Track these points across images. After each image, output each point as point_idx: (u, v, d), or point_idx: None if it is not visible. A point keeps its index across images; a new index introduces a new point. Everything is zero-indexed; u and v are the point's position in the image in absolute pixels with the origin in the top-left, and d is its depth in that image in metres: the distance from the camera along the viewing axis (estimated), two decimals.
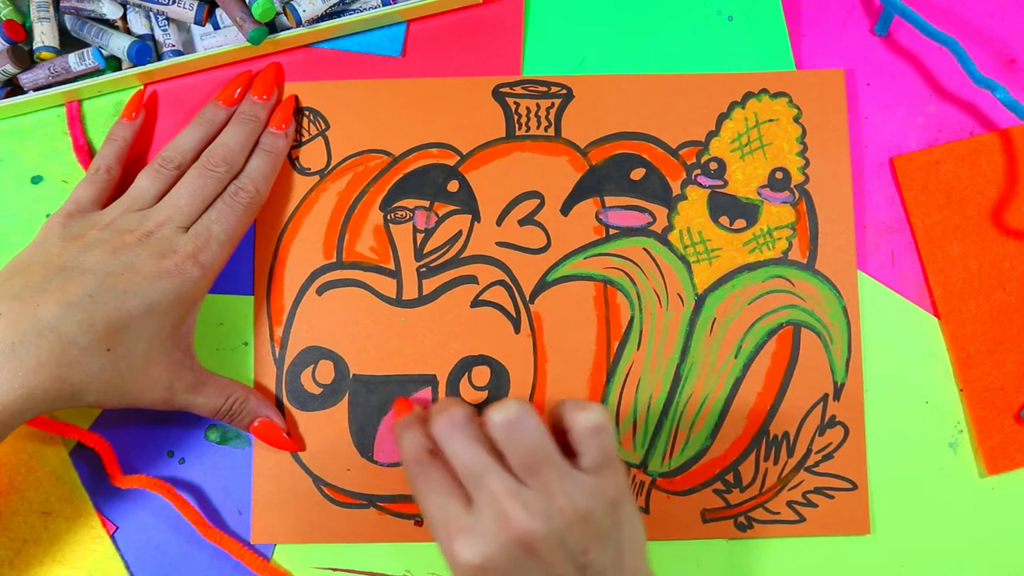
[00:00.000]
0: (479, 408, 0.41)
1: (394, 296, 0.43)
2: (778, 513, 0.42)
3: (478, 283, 0.43)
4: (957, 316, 0.43)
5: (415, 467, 0.35)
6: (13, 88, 0.43)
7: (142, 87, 0.44)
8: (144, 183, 0.39)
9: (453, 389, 0.42)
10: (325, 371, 0.42)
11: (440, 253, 0.43)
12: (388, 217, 0.43)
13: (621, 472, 0.35)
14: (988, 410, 0.42)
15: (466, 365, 0.42)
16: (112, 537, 0.42)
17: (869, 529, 0.42)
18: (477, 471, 0.33)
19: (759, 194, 0.43)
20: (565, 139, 0.43)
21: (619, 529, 0.34)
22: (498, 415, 0.33)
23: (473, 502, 0.33)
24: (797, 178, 0.43)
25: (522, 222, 0.43)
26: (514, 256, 0.43)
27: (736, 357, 0.42)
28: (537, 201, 0.43)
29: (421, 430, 0.37)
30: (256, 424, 0.40)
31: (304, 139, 0.43)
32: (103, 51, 0.42)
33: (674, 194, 0.43)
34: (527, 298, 0.43)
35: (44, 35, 0.41)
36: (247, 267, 0.43)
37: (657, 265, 0.43)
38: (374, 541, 0.42)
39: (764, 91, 0.43)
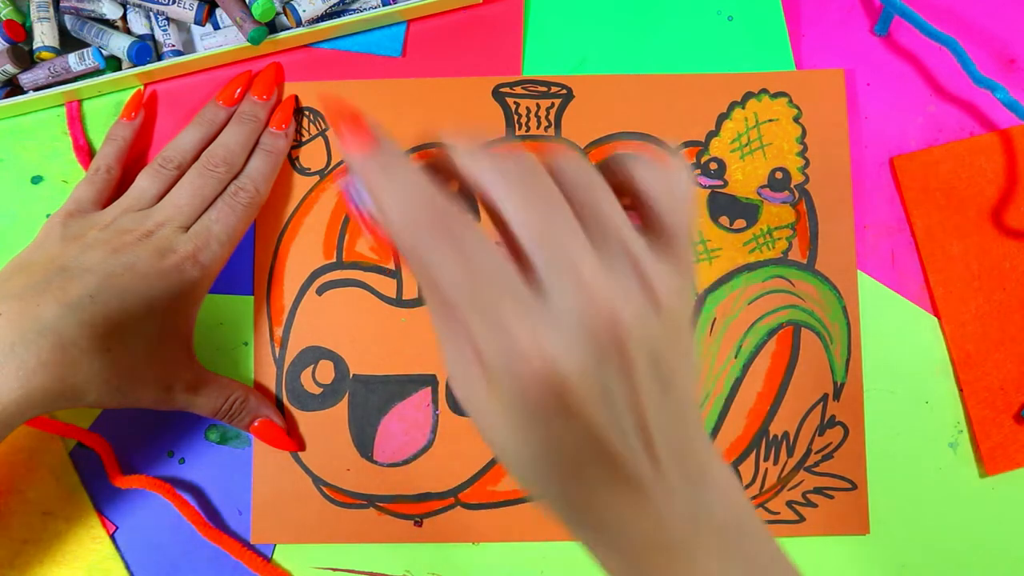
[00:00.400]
0: None
1: (394, 296, 0.43)
2: (778, 513, 0.42)
3: None
4: (957, 316, 0.43)
5: (426, 226, 0.22)
6: (13, 88, 0.43)
7: (142, 87, 0.44)
8: (144, 183, 0.39)
9: None
10: (325, 371, 0.42)
11: None
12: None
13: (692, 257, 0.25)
14: (988, 410, 0.42)
15: None
16: (112, 537, 0.42)
17: (869, 529, 0.42)
18: (548, 230, 0.22)
19: (759, 194, 0.43)
20: (565, 139, 0.43)
21: (692, 333, 0.26)
22: (566, 163, 0.23)
23: (542, 278, 0.22)
24: (797, 178, 0.43)
25: None
26: None
27: (736, 357, 0.42)
28: None
29: (429, 187, 0.23)
30: (256, 424, 0.40)
31: (304, 139, 0.43)
32: (103, 51, 0.42)
33: None
34: None
35: (44, 35, 0.41)
36: (247, 267, 0.43)
37: None
38: (374, 541, 0.42)
39: (764, 91, 0.43)
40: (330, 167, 0.43)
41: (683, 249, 0.24)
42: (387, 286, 0.43)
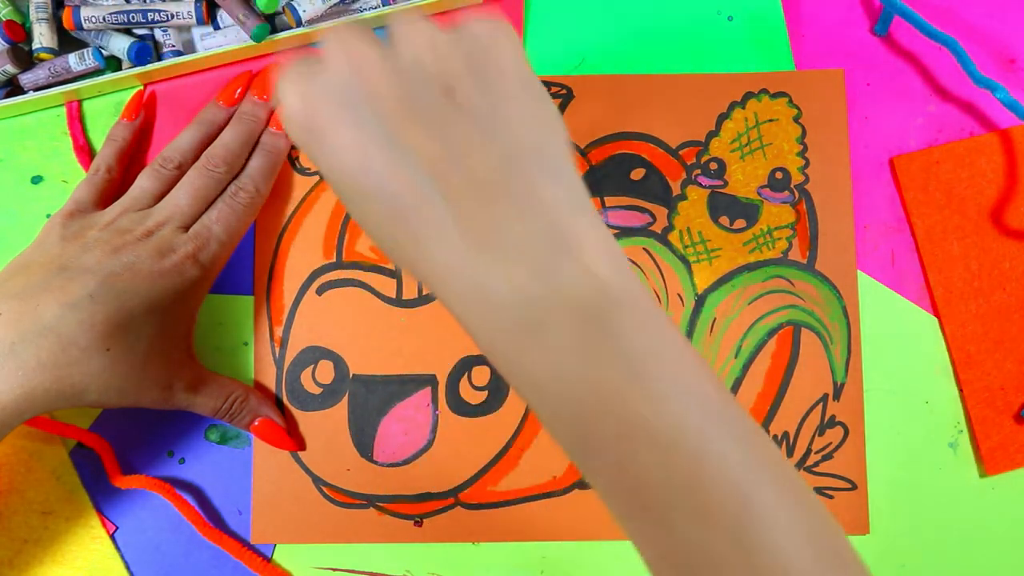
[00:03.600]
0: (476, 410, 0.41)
1: (394, 296, 0.43)
2: None
3: None
4: (957, 316, 0.43)
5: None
6: (13, 88, 0.43)
7: (142, 87, 0.44)
8: (144, 183, 0.39)
9: (453, 389, 0.42)
10: (325, 371, 0.42)
11: None
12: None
13: (506, 26, 0.26)
14: (988, 410, 0.42)
15: (466, 365, 0.42)
16: (112, 537, 0.42)
17: (868, 529, 0.42)
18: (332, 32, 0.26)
19: (759, 194, 0.43)
20: None
21: (503, 79, 0.25)
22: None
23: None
24: (797, 178, 0.43)
25: None
26: None
27: (736, 357, 0.42)
28: None
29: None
30: (256, 423, 0.40)
31: None
32: (103, 51, 0.42)
33: (674, 194, 0.43)
34: None
35: (43, 36, 0.41)
36: (247, 267, 0.43)
37: (657, 265, 0.43)
38: (374, 541, 0.42)
39: (764, 91, 0.43)
40: None
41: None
42: (387, 286, 0.43)
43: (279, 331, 0.43)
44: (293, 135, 0.25)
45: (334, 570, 0.42)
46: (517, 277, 0.23)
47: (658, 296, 0.43)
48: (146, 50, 0.42)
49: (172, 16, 0.41)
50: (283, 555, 0.42)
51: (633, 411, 0.22)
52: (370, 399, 0.42)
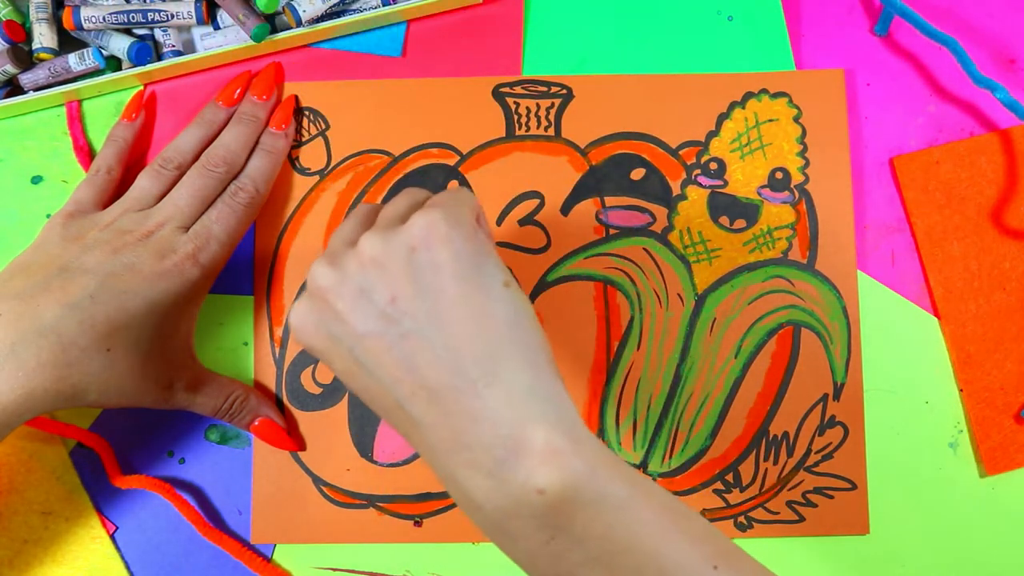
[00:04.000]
0: None
1: None
2: (778, 513, 0.42)
3: None
4: (957, 316, 0.43)
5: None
6: (13, 88, 0.43)
7: (142, 87, 0.44)
8: (144, 183, 0.39)
9: None
10: (325, 371, 0.42)
11: None
12: None
13: (438, 218, 0.28)
14: (988, 410, 0.42)
15: None
16: (112, 537, 0.42)
17: (868, 529, 0.42)
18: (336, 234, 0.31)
19: (759, 194, 0.43)
20: (565, 139, 0.43)
21: (438, 277, 0.27)
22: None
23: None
24: (797, 178, 0.43)
25: (522, 222, 0.43)
26: (514, 256, 0.43)
27: (736, 357, 0.42)
28: (537, 201, 0.43)
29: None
30: (256, 423, 0.40)
31: (304, 139, 0.43)
32: (103, 51, 0.42)
33: (674, 194, 0.43)
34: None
35: (43, 36, 0.41)
36: (247, 267, 0.43)
37: (657, 265, 0.43)
38: (374, 541, 0.42)
39: (764, 91, 0.43)
40: (330, 167, 0.43)
41: (402, 214, 0.30)
42: None
43: (279, 331, 0.43)
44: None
45: (334, 570, 0.42)
46: (482, 486, 0.26)
47: (658, 296, 0.43)
48: (146, 50, 0.42)
49: (172, 16, 0.41)
50: (283, 555, 0.42)
51: None
52: None
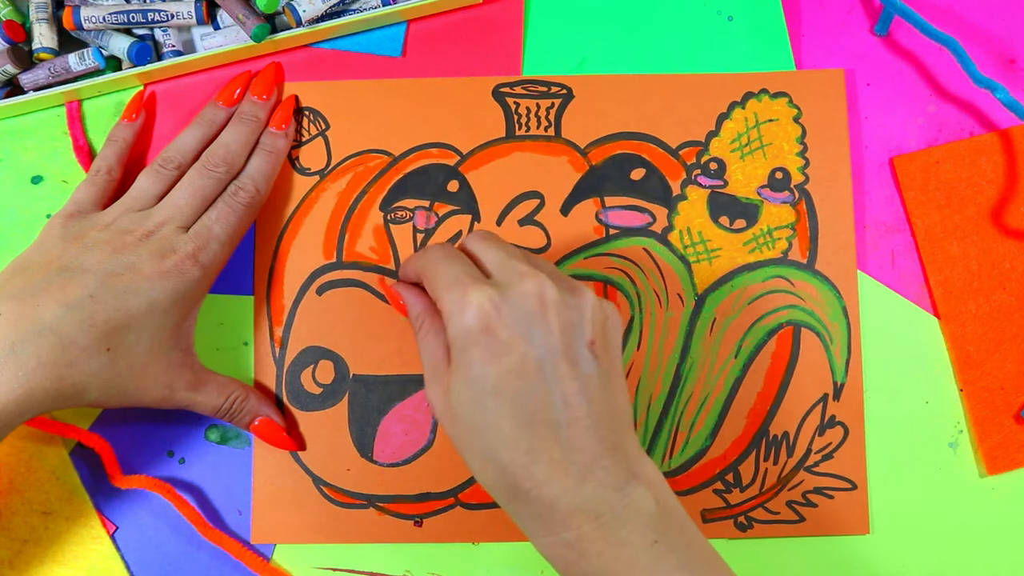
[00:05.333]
0: None
1: None
2: (778, 513, 0.42)
3: None
4: (957, 316, 0.43)
5: (436, 250, 0.35)
6: (13, 88, 0.43)
7: (142, 87, 0.44)
8: (145, 183, 0.39)
9: None
10: (325, 371, 0.42)
11: None
12: (388, 217, 0.43)
13: (615, 310, 0.36)
14: (988, 410, 0.42)
15: None
16: (112, 537, 0.42)
17: (869, 529, 0.42)
18: (505, 256, 0.34)
19: (759, 194, 0.43)
20: (565, 139, 0.43)
21: (613, 346, 0.34)
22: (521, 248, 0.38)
23: (494, 275, 0.34)
24: (797, 178, 0.43)
25: (522, 222, 0.43)
26: None
27: (736, 357, 0.42)
28: (537, 201, 0.43)
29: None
30: (256, 423, 0.40)
31: (304, 139, 0.43)
32: (103, 51, 0.42)
33: (674, 194, 0.43)
34: None
35: (43, 36, 0.41)
36: (247, 267, 0.43)
37: (657, 265, 0.43)
38: (374, 541, 0.42)
39: (764, 91, 0.43)
40: (330, 167, 0.43)
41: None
42: None
43: (279, 331, 0.43)
44: (466, 325, 0.32)
45: (334, 570, 0.42)
46: (609, 498, 0.31)
47: (658, 296, 0.43)
48: (146, 50, 0.42)
49: (172, 16, 0.41)
50: (283, 555, 0.42)
51: None
52: (370, 399, 0.42)
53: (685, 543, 0.32)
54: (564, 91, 0.43)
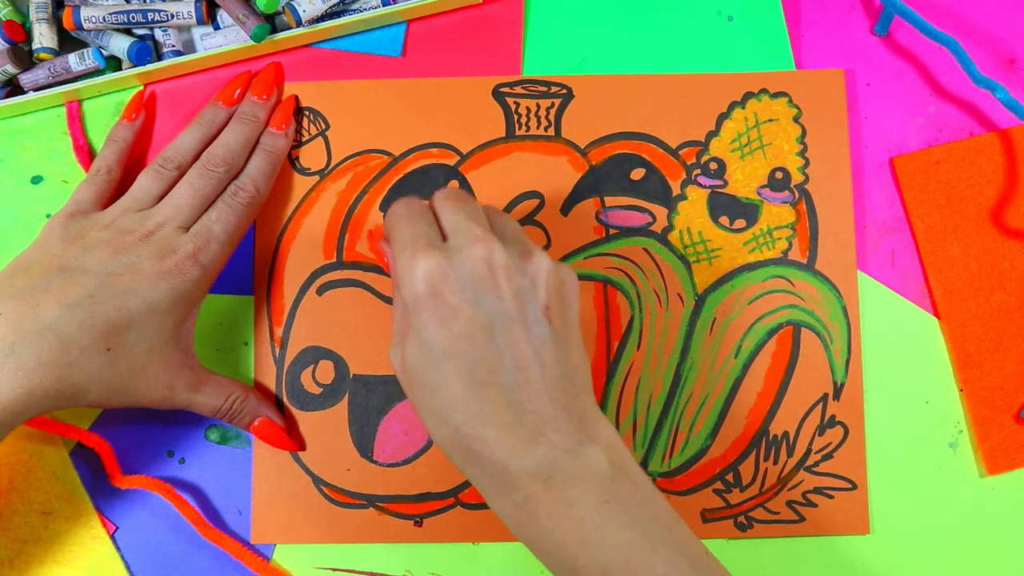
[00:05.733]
0: None
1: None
2: (778, 513, 0.42)
3: None
4: (957, 316, 0.43)
5: (402, 207, 0.35)
6: (13, 88, 0.43)
7: (142, 87, 0.44)
8: (145, 183, 0.39)
9: None
10: (325, 371, 0.42)
11: None
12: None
13: (573, 273, 0.36)
14: (988, 410, 0.42)
15: None
16: (112, 537, 0.42)
17: (869, 529, 0.42)
18: (463, 219, 0.34)
19: (759, 194, 0.43)
20: (565, 139, 0.43)
21: (570, 310, 0.34)
22: (490, 207, 0.36)
23: (449, 237, 0.34)
24: (797, 178, 0.43)
25: (522, 222, 0.43)
26: None
27: (736, 357, 0.42)
28: (537, 201, 0.43)
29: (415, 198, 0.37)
30: (256, 423, 0.40)
31: (304, 139, 0.43)
32: (103, 51, 0.42)
33: (674, 194, 0.43)
34: None
35: (42, 36, 0.41)
36: (247, 267, 0.43)
37: (657, 265, 0.43)
38: (374, 541, 0.42)
39: (764, 91, 0.43)
40: (330, 167, 0.43)
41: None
42: (387, 286, 0.43)
43: (279, 331, 0.43)
44: (415, 290, 0.32)
45: (334, 570, 0.42)
46: (560, 459, 0.32)
47: (658, 296, 0.43)
48: (146, 50, 0.42)
49: (172, 16, 0.41)
50: (283, 555, 0.42)
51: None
52: (370, 399, 0.42)
53: (637, 503, 0.32)
54: (564, 91, 0.43)
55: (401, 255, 0.33)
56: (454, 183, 0.43)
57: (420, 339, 0.32)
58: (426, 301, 0.32)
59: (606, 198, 0.43)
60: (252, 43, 0.41)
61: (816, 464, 0.42)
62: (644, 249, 0.43)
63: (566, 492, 0.31)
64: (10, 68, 0.41)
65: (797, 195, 0.43)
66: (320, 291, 0.43)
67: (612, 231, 0.43)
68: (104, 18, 0.41)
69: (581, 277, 0.43)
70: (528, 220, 0.43)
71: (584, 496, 0.31)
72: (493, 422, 0.31)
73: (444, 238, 0.34)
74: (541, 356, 0.32)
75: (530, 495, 0.31)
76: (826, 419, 0.42)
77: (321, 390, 0.42)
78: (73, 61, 0.42)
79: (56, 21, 0.42)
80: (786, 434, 0.42)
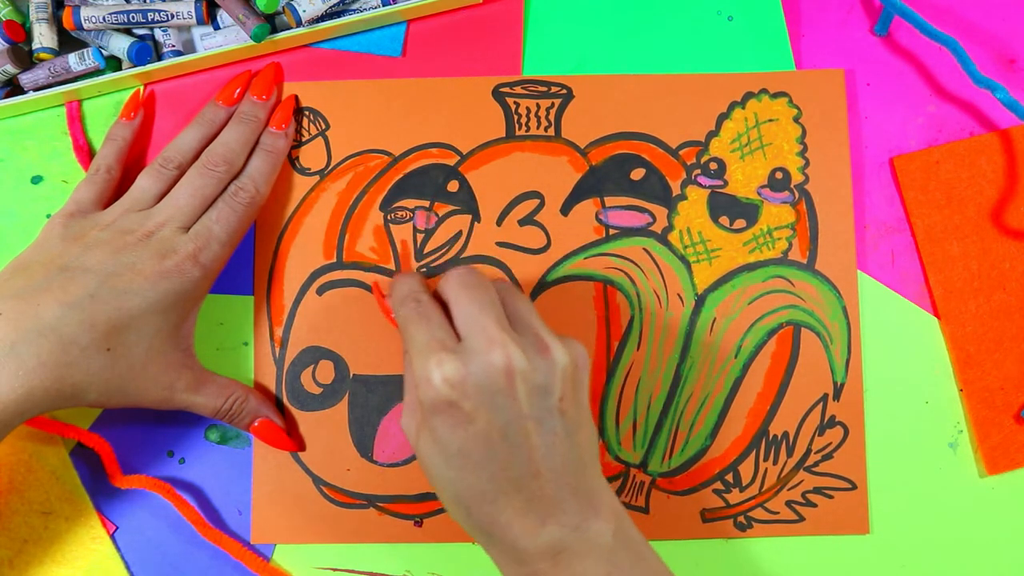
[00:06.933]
0: None
1: None
2: (777, 513, 0.42)
3: None
4: (957, 316, 0.43)
5: (411, 302, 0.36)
6: (13, 88, 0.43)
7: (142, 87, 0.44)
8: (145, 183, 0.39)
9: None
10: (325, 371, 0.42)
11: (440, 253, 0.43)
12: (388, 217, 0.43)
13: (585, 353, 0.37)
14: (988, 410, 0.42)
15: None
16: (112, 537, 0.42)
17: (868, 529, 0.42)
18: (476, 313, 0.34)
19: (759, 194, 0.43)
20: (565, 139, 0.43)
21: (582, 396, 0.35)
22: (502, 284, 0.37)
23: (464, 338, 0.34)
24: (797, 178, 0.43)
25: (522, 222, 0.43)
26: (514, 256, 0.43)
27: (736, 357, 0.42)
28: (537, 201, 0.43)
29: (419, 280, 0.38)
30: (256, 424, 0.40)
31: (304, 139, 0.43)
32: (103, 51, 0.42)
33: (674, 194, 0.43)
34: None
35: (42, 36, 0.41)
36: (247, 267, 0.43)
37: (657, 265, 0.43)
38: (374, 541, 0.42)
39: (764, 91, 0.43)
40: (330, 167, 0.43)
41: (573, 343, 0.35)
42: (387, 286, 0.43)
43: (279, 331, 0.43)
44: (432, 396, 0.33)
45: (334, 570, 0.42)
46: (567, 537, 0.33)
47: (658, 296, 0.43)
48: (146, 50, 0.42)
49: (172, 16, 0.41)
50: (283, 555, 0.42)
51: None
52: (370, 399, 0.42)
53: (639, 572, 0.34)
54: (564, 91, 0.43)
55: (417, 358, 0.33)
56: (454, 183, 0.43)
57: (435, 436, 0.33)
58: (443, 407, 0.33)
59: (606, 198, 0.43)
60: (252, 43, 0.41)
61: (816, 464, 0.42)
62: (644, 249, 0.43)
63: (572, 567, 0.33)
64: (10, 68, 0.41)
65: (797, 195, 0.43)
66: (320, 291, 0.43)
67: (612, 231, 0.43)
68: (104, 18, 0.41)
69: (581, 277, 0.43)
70: (528, 220, 0.43)
71: (589, 569, 0.33)
72: (504, 509, 0.33)
73: (456, 334, 0.34)
74: (552, 448, 0.33)
75: (539, 570, 0.33)
76: (826, 419, 0.42)
77: (321, 390, 0.42)
78: (73, 61, 0.42)
79: (56, 21, 0.42)
80: (786, 434, 0.42)
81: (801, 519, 0.42)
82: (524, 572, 0.33)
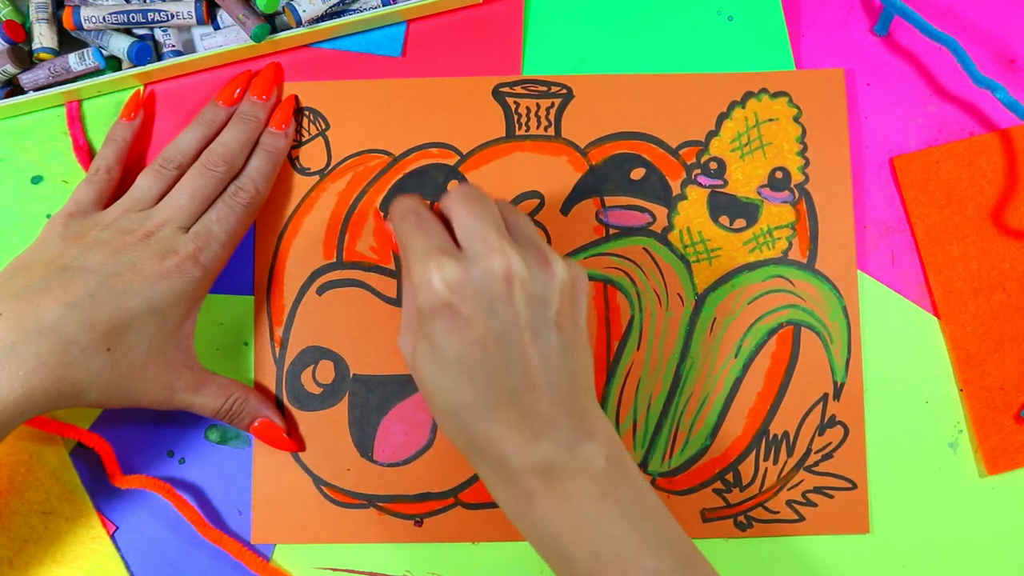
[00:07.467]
0: None
1: (394, 296, 0.43)
2: (778, 512, 0.42)
3: None
4: (957, 316, 0.43)
5: (411, 215, 0.35)
6: (13, 88, 0.43)
7: (141, 87, 0.44)
8: (145, 183, 0.39)
9: None
10: (325, 371, 0.42)
11: None
12: (388, 217, 0.43)
13: (585, 274, 0.37)
14: (988, 410, 0.42)
15: None
16: (112, 537, 0.42)
17: (869, 529, 0.42)
18: (478, 224, 0.33)
19: (759, 194, 0.43)
20: (565, 139, 0.43)
21: (580, 314, 0.35)
22: (503, 202, 0.37)
23: (465, 247, 0.33)
24: (797, 178, 0.43)
25: None
26: None
27: (736, 357, 0.42)
28: (537, 201, 0.43)
29: (419, 198, 0.37)
30: (256, 424, 0.40)
31: (304, 139, 0.43)
32: (103, 51, 0.42)
33: (674, 194, 0.43)
34: None
35: (42, 36, 0.41)
36: (247, 267, 0.43)
37: (657, 265, 0.43)
38: (374, 541, 0.42)
39: (764, 91, 0.43)
40: (330, 167, 0.43)
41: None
42: (387, 286, 0.43)
43: (279, 331, 0.43)
44: (431, 299, 0.32)
45: (334, 570, 0.42)
46: (561, 455, 0.33)
47: (658, 296, 0.43)
48: (146, 50, 0.42)
49: (172, 16, 0.41)
50: (283, 555, 0.42)
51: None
52: (370, 399, 0.42)
53: (631, 499, 0.33)
54: (564, 91, 0.43)
55: (416, 264, 0.33)
56: (454, 183, 0.43)
57: (431, 343, 0.33)
58: (441, 310, 0.32)
59: (606, 198, 0.43)
60: (252, 43, 0.41)
61: (816, 464, 0.42)
62: (644, 249, 0.43)
63: (563, 486, 0.32)
64: (10, 68, 0.41)
65: (797, 195, 0.43)
66: (320, 291, 0.43)
67: (612, 231, 0.43)
68: (104, 18, 0.41)
69: None
70: None
71: (580, 490, 0.32)
72: (499, 422, 0.32)
73: (456, 242, 0.34)
74: (548, 362, 0.33)
75: (531, 488, 0.33)
76: (826, 419, 0.42)
77: (321, 390, 0.42)
78: (73, 61, 0.42)
79: (56, 21, 0.42)
80: (786, 434, 0.42)
81: (801, 519, 0.42)
82: (516, 491, 0.33)
